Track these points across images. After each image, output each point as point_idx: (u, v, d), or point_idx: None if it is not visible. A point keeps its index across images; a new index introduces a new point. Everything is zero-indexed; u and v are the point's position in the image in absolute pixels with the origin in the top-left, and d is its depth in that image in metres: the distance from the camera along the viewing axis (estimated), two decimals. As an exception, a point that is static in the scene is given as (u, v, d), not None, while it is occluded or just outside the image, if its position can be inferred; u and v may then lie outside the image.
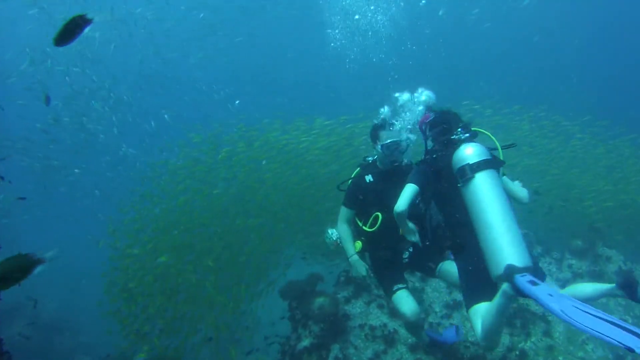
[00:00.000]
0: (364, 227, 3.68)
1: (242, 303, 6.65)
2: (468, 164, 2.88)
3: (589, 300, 2.60)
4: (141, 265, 6.42)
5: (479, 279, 2.82)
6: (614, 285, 2.59)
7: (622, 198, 8.22)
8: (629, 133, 9.83)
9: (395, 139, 3.57)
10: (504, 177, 3.14)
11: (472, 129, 3.22)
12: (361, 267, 3.69)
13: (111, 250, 6.72)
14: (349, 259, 3.75)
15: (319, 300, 5.43)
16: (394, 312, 3.98)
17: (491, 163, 2.89)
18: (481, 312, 2.81)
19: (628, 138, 9.71)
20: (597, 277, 6.31)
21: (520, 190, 3.15)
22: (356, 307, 5.77)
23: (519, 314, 5.83)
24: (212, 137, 7.48)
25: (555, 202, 8.28)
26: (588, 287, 2.78)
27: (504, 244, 2.65)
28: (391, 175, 3.65)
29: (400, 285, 3.63)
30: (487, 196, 2.78)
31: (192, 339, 6.19)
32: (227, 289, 6.54)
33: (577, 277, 6.39)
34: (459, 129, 3.19)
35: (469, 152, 2.92)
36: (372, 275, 3.77)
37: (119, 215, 7.14)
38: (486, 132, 3.18)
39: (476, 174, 2.84)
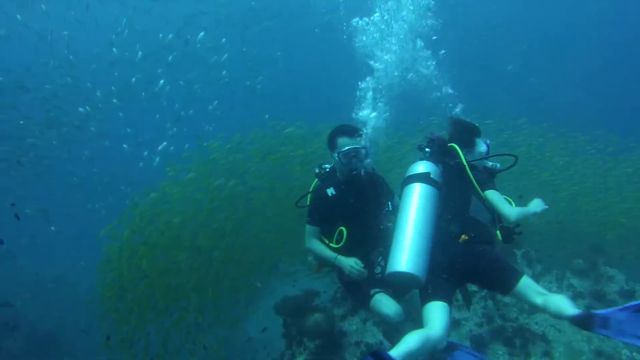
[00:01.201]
0: (330, 244, 3.62)
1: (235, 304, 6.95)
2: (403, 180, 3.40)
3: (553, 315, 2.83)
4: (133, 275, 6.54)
5: (428, 281, 3.07)
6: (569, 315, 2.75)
7: (634, 215, 8.32)
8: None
9: (353, 146, 3.52)
10: (490, 191, 3.24)
11: (450, 144, 3.48)
12: (351, 261, 3.50)
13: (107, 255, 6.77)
14: (336, 262, 3.57)
15: (314, 317, 5.58)
16: (376, 316, 3.89)
17: (409, 180, 3.30)
18: (427, 310, 3.05)
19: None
20: (598, 297, 6.43)
21: (502, 206, 3.17)
22: (352, 324, 5.93)
23: (518, 334, 5.96)
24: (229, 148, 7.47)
25: (566, 216, 8.44)
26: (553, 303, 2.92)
27: (397, 250, 3.03)
28: (353, 186, 3.59)
29: (377, 289, 3.52)
30: (401, 207, 3.23)
31: (186, 345, 6.41)
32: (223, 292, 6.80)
33: (578, 296, 6.50)
34: (426, 147, 3.58)
35: (409, 170, 3.41)
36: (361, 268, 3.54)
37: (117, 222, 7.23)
38: (455, 147, 3.40)
39: (403, 189, 3.32)
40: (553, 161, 9.57)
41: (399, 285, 3.16)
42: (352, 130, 3.60)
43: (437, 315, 2.95)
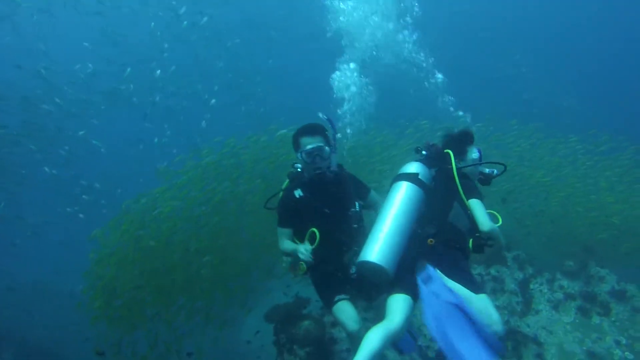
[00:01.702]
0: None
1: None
2: None
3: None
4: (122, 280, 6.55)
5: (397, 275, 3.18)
6: None
7: (626, 215, 8.43)
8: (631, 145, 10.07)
9: (316, 145, 3.51)
10: (474, 200, 3.28)
11: (446, 150, 3.56)
12: (302, 247, 3.49)
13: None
14: (298, 252, 3.50)
15: (305, 324, 5.63)
16: (335, 323, 3.93)
17: (399, 177, 3.46)
18: (390, 302, 3.14)
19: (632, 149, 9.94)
20: (589, 298, 6.52)
21: (480, 217, 3.21)
22: (343, 331, 5.97)
23: (510, 337, 6.03)
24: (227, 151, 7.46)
25: (558, 216, 8.55)
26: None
27: (371, 241, 3.16)
28: (319, 187, 3.58)
29: (342, 296, 3.56)
30: (385, 202, 3.37)
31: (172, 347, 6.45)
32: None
33: (569, 298, 6.59)
34: (423, 150, 3.70)
35: (401, 168, 3.55)
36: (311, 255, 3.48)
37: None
38: (450, 153, 3.49)
39: (391, 185, 3.46)
40: (544, 161, 9.68)
41: (367, 276, 3.25)
42: (314, 129, 3.60)
43: (399, 306, 3.04)
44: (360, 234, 3.60)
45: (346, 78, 4.61)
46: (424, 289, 2.80)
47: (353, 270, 3.54)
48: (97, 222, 7.04)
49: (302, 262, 3.52)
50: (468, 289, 2.90)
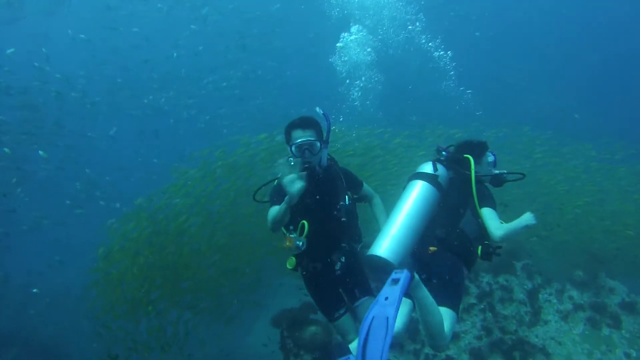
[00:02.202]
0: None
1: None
2: None
3: None
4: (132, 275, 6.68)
5: None
6: None
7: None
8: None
9: (306, 139, 3.45)
10: (486, 208, 3.30)
11: (465, 155, 3.57)
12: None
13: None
14: (287, 200, 3.23)
15: (311, 329, 5.72)
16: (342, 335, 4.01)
17: (416, 176, 3.50)
18: None
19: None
20: (599, 309, 6.55)
21: (491, 224, 3.22)
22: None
23: (518, 347, 6.08)
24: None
25: (570, 225, 8.56)
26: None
27: (382, 236, 3.21)
28: (310, 181, 3.46)
29: (341, 311, 3.62)
30: (400, 199, 3.40)
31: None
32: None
33: (579, 309, 6.61)
34: (444, 151, 3.73)
35: (420, 167, 3.61)
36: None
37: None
38: (470, 158, 3.49)
39: (408, 182, 3.51)
40: (560, 168, 9.70)
41: (373, 269, 3.26)
42: (307, 123, 3.53)
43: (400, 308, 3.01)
44: (350, 228, 3.64)
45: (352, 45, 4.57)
46: (385, 288, 2.72)
47: (338, 266, 3.58)
48: (95, 219, 7.20)
49: (292, 257, 3.54)
50: (444, 300, 2.96)
